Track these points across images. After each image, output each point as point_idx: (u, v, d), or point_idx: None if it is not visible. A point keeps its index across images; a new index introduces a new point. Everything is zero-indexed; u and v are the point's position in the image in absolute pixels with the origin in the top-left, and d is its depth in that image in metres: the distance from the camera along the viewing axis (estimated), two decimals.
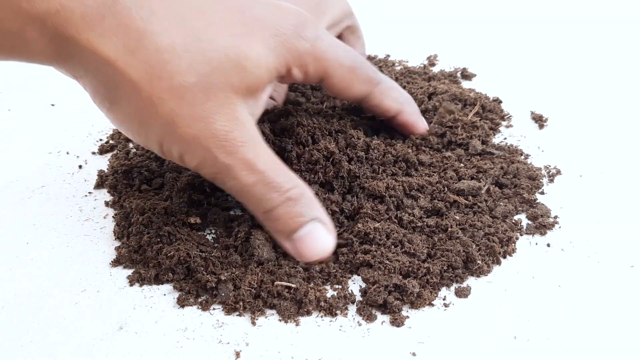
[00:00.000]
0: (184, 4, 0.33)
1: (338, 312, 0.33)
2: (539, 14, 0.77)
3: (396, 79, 0.58)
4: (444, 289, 0.35)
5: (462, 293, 0.35)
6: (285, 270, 0.35)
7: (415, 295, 0.34)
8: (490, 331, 0.32)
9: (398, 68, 0.62)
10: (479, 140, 0.47)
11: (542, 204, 0.41)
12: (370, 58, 0.65)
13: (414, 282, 0.34)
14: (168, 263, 0.36)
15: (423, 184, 0.41)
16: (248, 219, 0.39)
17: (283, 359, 0.31)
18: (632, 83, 0.58)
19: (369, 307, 0.34)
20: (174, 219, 0.38)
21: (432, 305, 0.34)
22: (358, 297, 0.35)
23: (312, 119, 0.42)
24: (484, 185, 0.42)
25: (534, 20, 0.74)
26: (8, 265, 0.37)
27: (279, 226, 0.35)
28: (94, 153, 0.49)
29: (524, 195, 0.42)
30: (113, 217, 0.41)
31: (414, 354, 0.31)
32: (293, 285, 0.34)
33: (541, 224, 0.40)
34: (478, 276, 0.36)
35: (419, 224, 0.39)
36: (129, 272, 0.37)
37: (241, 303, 0.34)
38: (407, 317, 0.33)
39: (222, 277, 0.34)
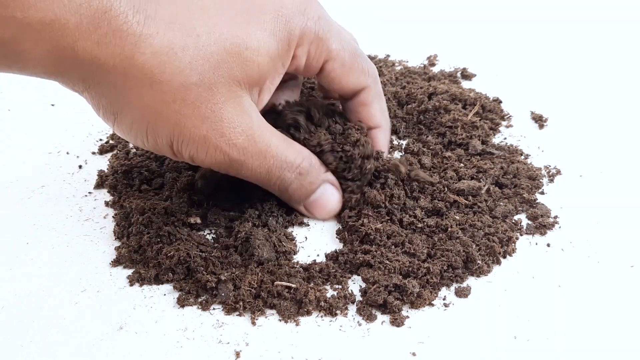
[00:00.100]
0: (179, 2, 0.32)
1: (338, 312, 0.33)
2: (539, 14, 0.76)
3: (396, 79, 0.58)
4: (444, 289, 0.35)
5: (462, 293, 0.35)
6: (285, 270, 0.35)
7: (415, 295, 0.34)
8: (490, 331, 0.32)
9: (398, 68, 0.62)
10: (479, 140, 0.47)
11: (542, 204, 0.41)
12: (370, 58, 0.64)
13: (414, 282, 0.34)
14: (168, 263, 0.36)
15: (423, 185, 0.41)
16: (248, 219, 0.39)
17: (283, 359, 0.31)
18: (632, 83, 0.58)
19: (369, 307, 0.34)
20: (174, 219, 0.38)
21: (432, 305, 0.34)
22: (358, 297, 0.35)
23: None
24: (484, 185, 0.42)
25: (534, 20, 0.74)
26: (8, 265, 0.37)
27: (294, 197, 0.37)
28: (94, 153, 0.49)
29: (524, 195, 0.42)
30: (113, 217, 0.41)
31: (414, 354, 0.31)
32: (293, 285, 0.34)
33: (541, 224, 0.40)
34: (478, 276, 0.36)
35: (419, 225, 0.39)
36: (129, 272, 0.37)
37: (241, 303, 0.34)
38: (407, 317, 0.33)
39: (222, 277, 0.34)
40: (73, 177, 0.46)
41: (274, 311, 0.34)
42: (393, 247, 0.37)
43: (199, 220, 0.39)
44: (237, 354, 0.31)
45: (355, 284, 0.36)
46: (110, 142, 0.51)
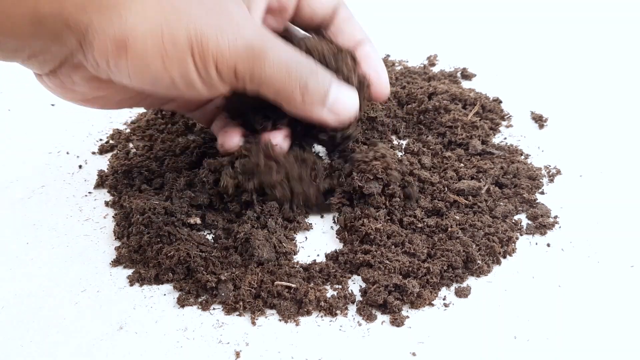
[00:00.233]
0: None
1: (338, 312, 0.33)
2: (539, 14, 0.76)
3: (396, 79, 0.58)
4: (444, 289, 0.35)
5: (462, 293, 0.35)
6: (285, 270, 0.35)
7: (415, 295, 0.34)
8: (490, 331, 0.32)
9: (398, 68, 0.62)
10: (479, 140, 0.47)
11: (542, 204, 0.41)
12: None
13: (414, 282, 0.34)
14: (168, 263, 0.36)
15: (423, 186, 0.41)
16: (248, 220, 0.39)
17: (283, 359, 0.31)
18: (632, 83, 0.58)
19: (369, 307, 0.34)
20: (174, 219, 0.38)
21: (432, 305, 0.34)
22: (358, 297, 0.35)
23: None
24: (484, 185, 0.42)
25: (534, 20, 0.74)
26: (8, 265, 0.37)
27: (315, 97, 0.37)
28: (94, 153, 0.49)
29: (524, 195, 0.42)
30: (113, 217, 0.41)
31: (414, 354, 0.31)
32: (293, 285, 0.34)
33: (541, 224, 0.40)
34: (478, 276, 0.36)
35: (419, 225, 0.39)
36: (129, 272, 0.37)
37: (241, 303, 0.34)
38: (407, 317, 0.33)
39: (222, 277, 0.34)
40: (73, 177, 0.46)
41: (274, 311, 0.34)
42: (393, 247, 0.37)
43: (198, 221, 0.39)
44: (237, 354, 0.31)
45: (355, 284, 0.36)
46: (110, 142, 0.51)
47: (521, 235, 0.39)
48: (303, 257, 0.38)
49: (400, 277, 0.35)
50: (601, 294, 0.34)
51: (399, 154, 0.47)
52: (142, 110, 0.54)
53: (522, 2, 0.80)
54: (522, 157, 0.47)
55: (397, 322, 0.33)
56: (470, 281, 0.36)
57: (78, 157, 0.49)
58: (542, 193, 0.43)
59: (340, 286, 0.35)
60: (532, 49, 0.67)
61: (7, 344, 0.32)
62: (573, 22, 0.73)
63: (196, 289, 0.35)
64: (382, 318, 0.33)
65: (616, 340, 0.31)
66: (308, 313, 0.33)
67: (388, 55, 0.65)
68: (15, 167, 0.47)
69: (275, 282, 0.34)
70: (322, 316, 0.33)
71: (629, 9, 0.76)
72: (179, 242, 0.37)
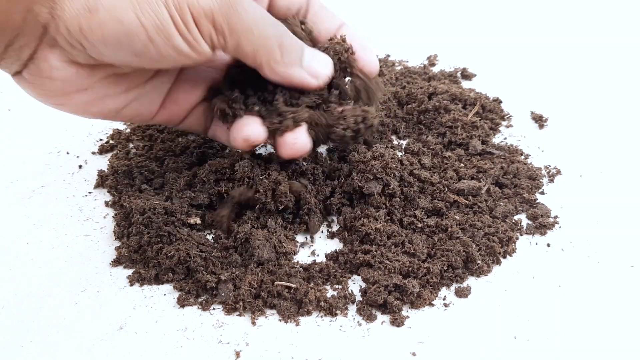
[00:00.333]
0: None
1: (338, 312, 0.33)
2: (538, 14, 0.77)
3: (396, 79, 0.58)
4: (444, 289, 0.35)
5: (462, 293, 0.35)
6: (285, 270, 0.35)
7: (415, 295, 0.34)
8: (490, 331, 0.32)
9: (398, 68, 0.62)
10: (479, 140, 0.47)
11: (542, 204, 0.41)
12: None
13: (414, 282, 0.34)
14: (168, 263, 0.36)
15: (423, 186, 0.41)
16: (247, 220, 0.39)
17: (283, 359, 0.31)
18: (632, 83, 0.58)
19: (369, 307, 0.34)
20: (174, 219, 0.38)
21: (432, 305, 0.34)
22: (358, 297, 0.35)
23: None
24: (484, 185, 0.42)
25: (534, 20, 0.74)
26: (8, 265, 0.37)
27: (291, 56, 0.37)
28: (94, 153, 0.49)
29: (524, 195, 0.42)
30: (113, 217, 0.41)
31: (414, 354, 0.31)
32: (293, 285, 0.34)
33: (541, 224, 0.40)
34: (478, 276, 0.36)
35: (419, 225, 0.39)
36: (129, 272, 0.37)
37: (241, 303, 0.34)
38: (407, 317, 0.33)
39: (222, 277, 0.34)
40: (73, 177, 0.46)
41: (274, 311, 0.34)
42: (393, 247, 0.37)
43: (198, 221, 0.39)
44: (237, 354, 0.31)
45: (355, 284, 0.36)
46: (110, 142, 0.51)
47: (521, 235, 0.39)
48: (303, 257, 0.38)
49: (400, 277, 0.35)
50: (601, 294, 0.34)
51: (399, 154, 0.47)
52: None
53: (522, 2, 0.80)
54: (522, 157, 0.47)
55: (397, 322, 0.33)
56: (470, 281, 0.36)
57: (78, 157, 0.49)
58: (542, 193, 0.43)
59: (340, 286, 0.35)
60: (532, 49, 0.67)
61: (7, 344, 0.32)
62: (573, 23, 0.73)
63: (196, 289, 0.35)
64: (382, 318, 0.33)
65: (616, 340, 0.31)
66: (308, 313, 0.33)
67: (388, 55, 0.65)
68: (15, 167, 0.47)
69: (275, 282, 0.34)
70: (322, 316, 0.33)
71: (629, 9, 0.76)
72: (179, 242, 0.37)
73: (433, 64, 0.63)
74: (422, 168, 0.44)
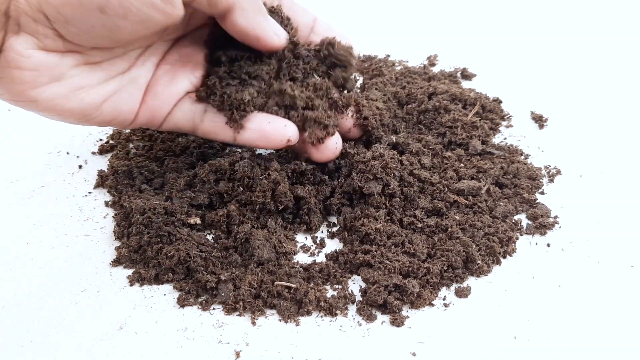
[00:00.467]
0: None
1: (338, 312, 0.33)
2: (538, 15, 0.77)
3: (396, 79, 0.58)
4: (444, 289, 0.35)
5: (462, 293, 0.35)
6: (285, 270, 0.35)
7: (415, 295, 0.34)
8: (490, 331, 0.32)
9: (398, 68, 0.62)
10: (479, 140, 0.47)
11: (542, 204, 0.41)
12: (370, 58, 0.65)
13: (414, 282, 0.34)
14: (168, 263, 0.36)
15: (423, 186, 0.41)
16: (247, 220, 0.39)
17: (283, 359, 0.31)
18: (632, 83, 0.58)
19: (369, 307, 0.34)
20: (174, 219, 0.38)
21: (432, 305, 0.34)
22: (358, 297, 0.35)
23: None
24: (484, 185, 0.42)
25: (534, 21, 0.74)
26: (8, 265, 0.37)
27: (255, 4, 0.37)
28: (94, 153, 0.49)
29: (524, 195, 0.42)
30: (113, 217, 0.41)
31: (414, 354, 0.31)
32: (293, 285, 0.34)
33: (541, 224, 0.40)
34: (478, 276, 0.36)
35: (419, 225, 0.39)
36: (129, 272, 0.37)
37: (241, 303, 0.34)
38: (407, 317, 0.33)
39: (222, 277, 0.34)
40: (73, 177, 0.46)
41: (274, 311, 0.34)
42: (393, 247, 0.37)
43: (198, 221, 0.39)
44: (237, 354, 0.31)
45: (355, 284, 0.36)
46: (110, 142, 0.51)
47: (521, 235, 0.39)
48: (303, 257, 0.38)
49: (400, 277, 0.35)
50: (601, 294, 0.34)
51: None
52: None
53: (522, 2, 0.80)
54: (522, 157, 0.47)
55: (397, 322, 0.33)
56: (470, 281, 0.36)
57: (78, 157, 0.49)
58: (542, 193, 0.43)
59: (340, 286, 0.35)
60: (532, 49, 0.67)
61: (7, 344, 0.32)
62: (573, 23, 0.73)
63: (196, 289, 0.35)
64: (382, 318, 0.33)
65: (616, 340, 0.31)
66: (308, 313, 0.33)
67: (388, 56, 0.65)
68: (15, 167, 0.47)
69: (275, 282, 0.34)
70: (322, 316, 0.33)
71: (629, 9, 0.76)
72: (179, 242, 0.37)
73: (433, 64, 0.63)
74: (422, 168, 0.44)
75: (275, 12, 0.41)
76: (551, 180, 0.44)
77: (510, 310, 0.33)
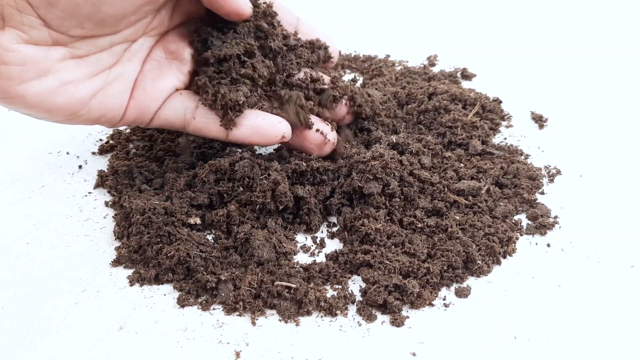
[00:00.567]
0: None
1: (338, 312, 0.33)
2: (538, 15, 0.77)
3: (396, 79, 0.58)
4: (444, 289, 0.35)
5: (462, 293, 0.35)
6: (285, 270, 0.35)
7: (415, 295, 0.34)
8: (490, 331, 0.32)
9: (398, 68, 0.62)
10: (479, 140, 0.47)
11: (542, 204, 0.41)
12: (370, 58, 0.65)
13: (414, 282, 0.34)
14: (168, 263, 0.36)
15: (423, 186, 0.41)
16: (247, 220, 0.39)
17: (283, 359, 0.31)
18: (632, 84, 0.58)
19: (369, 307, 0.34)
20: (174, 219, 0.38)
21: (432, 305, 0.34)
22: (358, 297, 0.35)
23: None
24: (484, 185, 0.42)
25: (534, 21, 0.74)
26: (8, 265, 0.37)
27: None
28: (94, 153, 0.49)
29: (524, 195, 0.42)
30: (113, 217, 0.41)
31: (414, 354, 0.31)
32: (293, 285, 0.34)
33: (541, 224, 0.40)
34: (478, 276, 0.36)
35: (419, 225, 0.39)
36: (129, 272, 0.37)
37: (241, 303, 0.34)
38: (407, 317, 0.33)
39: (222, 277, 0.34)
40: (73, 177, 0.46)
41: (274, 311, 0.34)
42: (393, 247, 0.37)
43: (198, 221, 0.39)
44: (237, 354, 0.31)
45: (355, 284, 0.36)
46: (110, 142, 0.51)
47: (521, 235, 0.39)
48: (303, 257, 0.38)
49: (400, 277, 0.35)
50: (601, 294, 0.34)
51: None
52: None
53: (522, 2, 0.80)
54: (522, 157, 0.47)
55: (397, 322, 0.33)
56: (470, 281, 0.36)
57: (78, 157, 0.49)
58: (542, 193, 0.43)
59: (340, 286, 0.35)
60: (532, 49, 0.67)
61: (7, 344, 0.32)
62: (573, 23, 0.73)
63: (196, 289, 0.35)
64: (382, 318, 0.33)
65: (616, 340, 0.31)
66: (308, 313, 0.33)
67: (388, 56, 0.65)
68: (15, 167, 0.47)
69: (275, 282, 0.34)
70: (322, 316, 0.33)
71: (628, 9, 0.76)
72: (179, 242, 0.37)
73: (433, 64, 0.63)
74: (422, 168, 0.44)
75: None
76: (551, 180, 0.44)
77: (510, 310, 0.33)
